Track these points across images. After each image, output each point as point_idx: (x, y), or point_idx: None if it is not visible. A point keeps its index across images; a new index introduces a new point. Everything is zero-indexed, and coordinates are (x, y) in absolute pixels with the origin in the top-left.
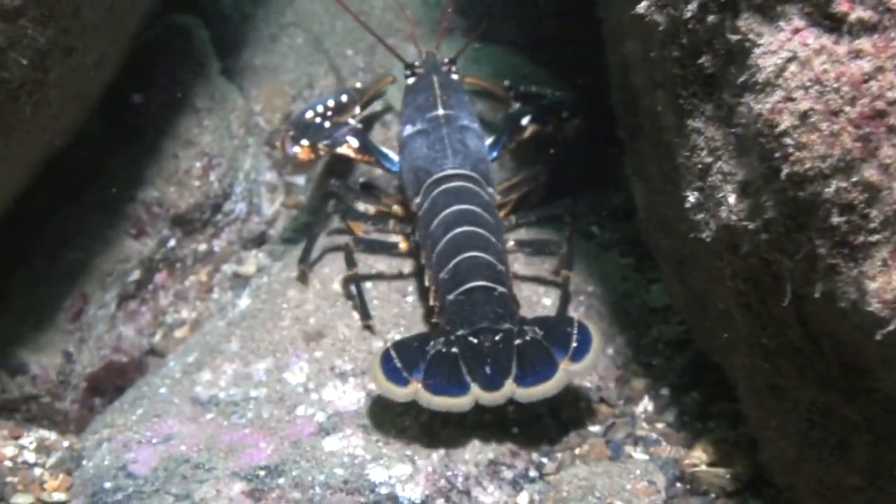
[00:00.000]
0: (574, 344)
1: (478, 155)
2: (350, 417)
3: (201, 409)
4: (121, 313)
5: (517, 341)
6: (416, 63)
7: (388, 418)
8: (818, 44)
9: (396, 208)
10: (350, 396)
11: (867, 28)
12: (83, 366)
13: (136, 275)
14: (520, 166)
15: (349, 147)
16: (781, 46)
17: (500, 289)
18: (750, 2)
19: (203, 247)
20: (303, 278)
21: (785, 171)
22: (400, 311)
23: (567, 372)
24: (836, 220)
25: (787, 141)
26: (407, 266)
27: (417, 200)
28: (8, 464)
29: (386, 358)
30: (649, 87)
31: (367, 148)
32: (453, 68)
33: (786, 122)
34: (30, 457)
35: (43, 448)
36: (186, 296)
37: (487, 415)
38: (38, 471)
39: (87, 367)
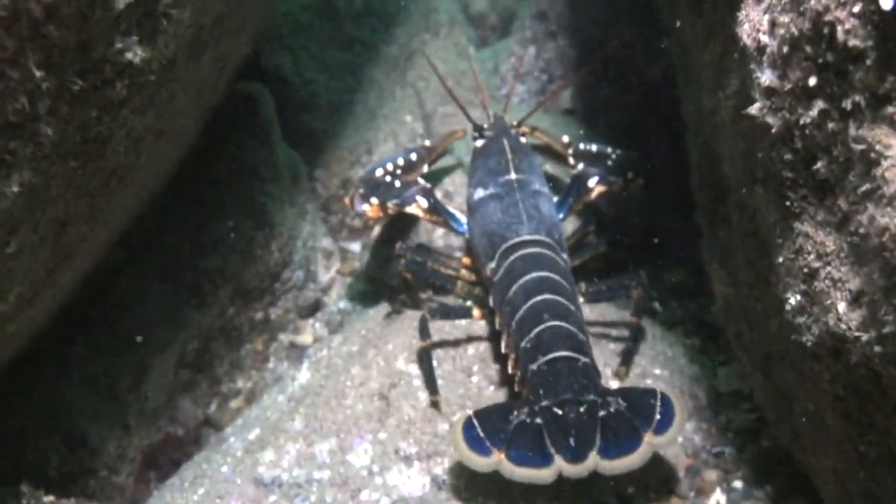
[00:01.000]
0: (658, 416)
1: (551, 220)
2: (415, 503)
3: (264, 490)
4: (178, 383)
5: (601, 413)
6: (485, 126)
7: None
8: None
9: (465, 272)
10: (415, 481)
11: None
12: (140, 438)
13: (194, 345)
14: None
15: (418, 206)
16: None
17: (584, 359)
18: (878, 112)
19: (259, 315)
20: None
21: None
22: (465, 392)
23: (651, 444)
24: None
25: None
26: (475, 340)
27: (492, 266)
28: None
29: (468, 426)
30: (747, 182)
31: (435, 209)
32: (521, 131)
33: None
34: None
35: None
36: (242, 365)
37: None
38: None
39: (144, 439)
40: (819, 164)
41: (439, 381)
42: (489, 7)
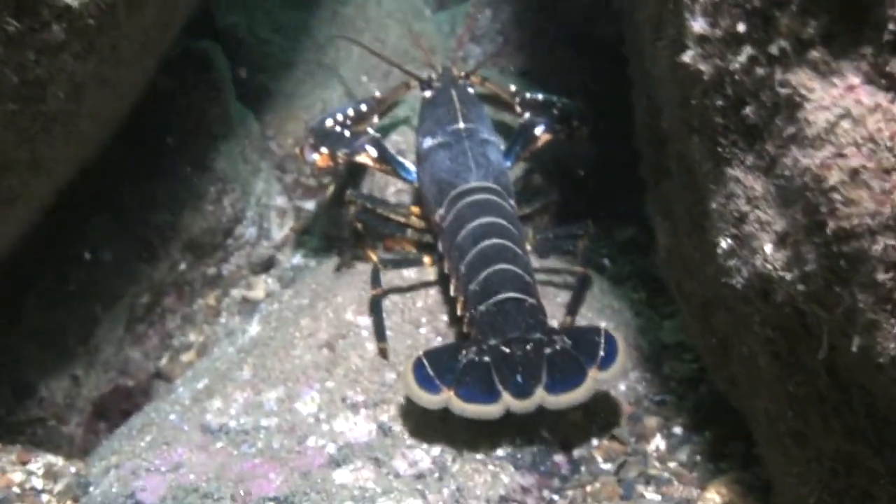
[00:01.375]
0: (602, 353)
1: (499, 168)
2: (361, 449)
3: (211, 437)
4: (128, 336)
5: (547, 350)
6: (434, 77)
7: (398, 451)
8: (873, 102)
9: (415, 220)
10: (361, 428)
11: None
12: (89, 389)
13: (145, 298)
14: (530, 177)
15: (367, 156)
16: (834, 102)
17: (530, 300)
18: (802, 57)
19: (212, 270)
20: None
21: (831, 225)
22: (413, 343)
23: (595, 380)
24: (881, 276)
25: (836, 196)
26: (424, 291)
27: (441, 212)
28: (16, 490)
29: (418, 366)
30: (684, 132)
31: (385, 158)
32: (469, 82)
33: (835, 177)
34: (37, 483)
35: (50, 474)
36: (194, 319)
37: (499, 449)
38: (45, 497)
39: (94, 390)
40: (748, 110)
41: (388, 333)
42: None
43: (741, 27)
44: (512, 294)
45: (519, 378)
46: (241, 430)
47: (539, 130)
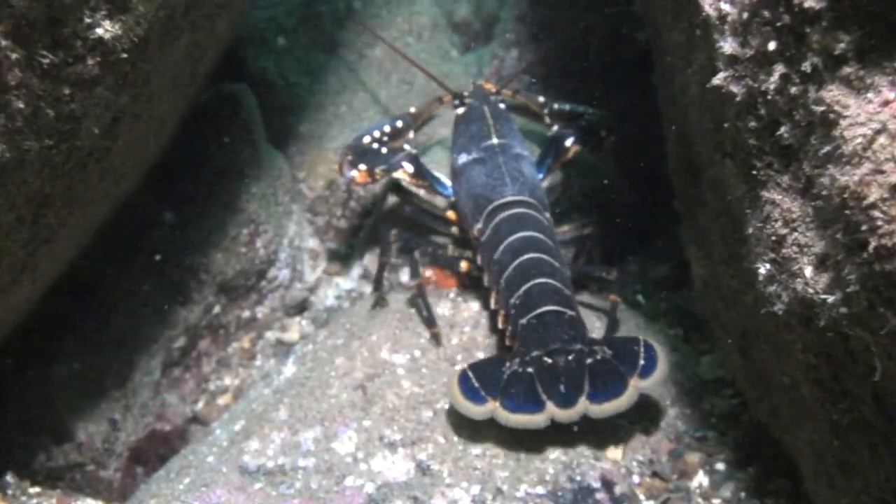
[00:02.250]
0: (642, 361)
1: (533, 181)
2: (400, 489)
3: (249, 478)
4: (165, 380)
5: (588, 360)
6: (466, 94)
7: (438, 489)
8: None
9: (454, 230)
10: (400, 467)
11: None
12: (127, 434)
13: (181, 342)
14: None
15: (405, 172)
16: (870, 118)
17: (570, 312)
18: (835, 73)
19: (247, 313)
20: (381, 303)
21: (872, 244)
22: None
23: (637, 388)
24: None
25: (876, 214)
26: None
27: (479, 226)
28: None
29: (463, 378)
30: (717, 157)
31: (421, 173)
32: (500, 97)
33: (874, 194)
34: None
35: None
36: (230, 363)
37: (539, 487)
38: None
39: (131, 434)
40: (782, 130)
41: (423, 370)
42: (473, 14)
43: (772, 45)
44: (552, 307)
45: (562, 388)
46: (279, 470)
47: (569, 142)
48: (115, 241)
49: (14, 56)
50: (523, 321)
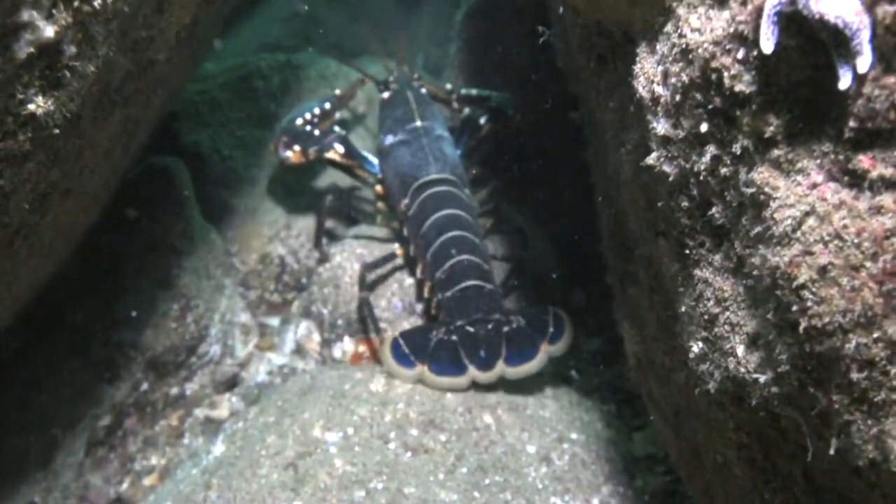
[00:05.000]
0: (551, 329)
1: (454, 161)
2: None
3: None
4: (88, 460)
5: (505, 329)
6: (390, 79)
7: None
8: (837, 199)
9: (381, 205)
10: None
11: (889, 185)
12: None
13: (106, 420)
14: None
15: (335, 152)
16: (799, 200)
17: (489, 286)
18: (765, 155)
19: (175, 390)
20: (324, 259)
21: (802, 324)
22: (382, 459)
23: (546, 352)
24: (855, 375)
25: (806, 294)
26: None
27: (406, 201)
28: None
29: (395, 345)
30: (650, 236)
31: (351, 153)
32: (421, 83)
33: (804, 275)
34: None
35: None
36: (156, 441)
37: None
38: None
39: None
40: (714, 210)
41: (356, 448)
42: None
43: (704, 127)
44: (474, 282)
45: (482, 353)
46: None
47: (483, 121)
48: (38, 315)
49: None
50: (448, 294)
